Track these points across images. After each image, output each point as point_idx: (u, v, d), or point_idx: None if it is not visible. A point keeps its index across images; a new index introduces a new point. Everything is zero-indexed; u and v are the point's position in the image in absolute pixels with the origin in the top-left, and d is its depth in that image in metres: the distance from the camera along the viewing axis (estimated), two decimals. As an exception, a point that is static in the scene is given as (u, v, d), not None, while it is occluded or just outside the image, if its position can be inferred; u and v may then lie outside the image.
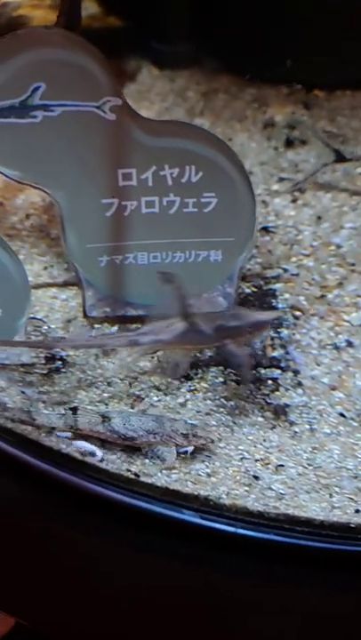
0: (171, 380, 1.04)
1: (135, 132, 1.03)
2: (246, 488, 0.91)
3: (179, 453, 0.92)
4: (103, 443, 0.94)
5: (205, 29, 1.73)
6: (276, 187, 1.45)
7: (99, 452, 0.93)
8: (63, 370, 1.03)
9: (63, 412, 0.95)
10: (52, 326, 1.09)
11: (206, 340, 1.01)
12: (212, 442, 0.93)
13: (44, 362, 1.03)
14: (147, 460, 0.93)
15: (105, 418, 0.93)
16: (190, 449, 0.92)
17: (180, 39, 1.75)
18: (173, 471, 0.93)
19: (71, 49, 0.98)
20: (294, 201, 1.41)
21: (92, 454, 0.92)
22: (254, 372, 1.05)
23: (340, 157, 1.46)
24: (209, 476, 0.92)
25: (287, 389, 1.05)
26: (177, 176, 1.05)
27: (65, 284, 1.16)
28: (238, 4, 1.67)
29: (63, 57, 0.98)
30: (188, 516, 0.88)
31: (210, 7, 1.70)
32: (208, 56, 1.79)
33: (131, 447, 0.93)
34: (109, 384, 1.02)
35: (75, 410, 0.95)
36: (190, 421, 0.97)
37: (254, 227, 1.10)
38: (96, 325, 1.09)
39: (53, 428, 0.94)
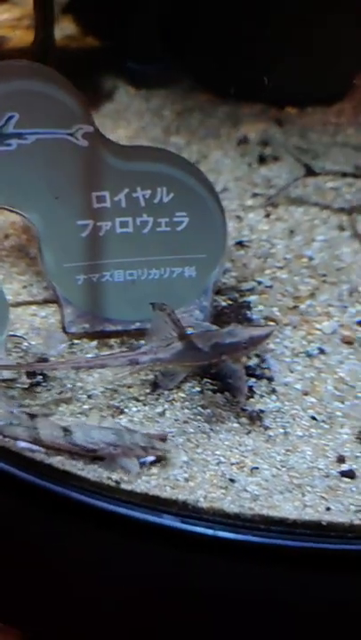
0: (162, 390, 1.07)
1: (107, 157, 1.06)
2: (223, 491, 0.94)
3: (141, 464, 0.95)
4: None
5: (180, 49, 1.77)
6: (250, 202, 1.48)
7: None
8: (44, 384, 1.05)
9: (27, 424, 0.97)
10: (33, 342, 1.11)
11: (203, 357, 1.04)
12: (170, 452, 0.96)
13: (25, 376, 1.04)
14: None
15: (67, 431, 0.95)
16: (149, 459, 0.95)
17: (155, 59, 1.80)
18: (153, 477, 0.94)
19: (43, 81, 1.02)
20: (268, 216, 1.44)
21: None
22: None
23: (310, 172, 1.49)
24: (187, 480, 0.95)
25: (262, 396, 1.07)
26: (149, 197, 1.08)
27: (44, 302, 1.18)
28: (211, 25, 1.71)
29: (35, 88, 1.02)
30: (169, 521, 0.90)
31: (184, 28, 1.73)
32: (183, 75, 1.82)
33: (95, 458, 0.95)
34: (90, 396, 1.04)
35: (32, 416, 0.97)
36: (155, 429, 1.00)
37: (225, 243, 1.13)
38: (75, 341, 1.11)
39: (16, 439, 0.96)
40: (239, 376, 1.03)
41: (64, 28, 1.87)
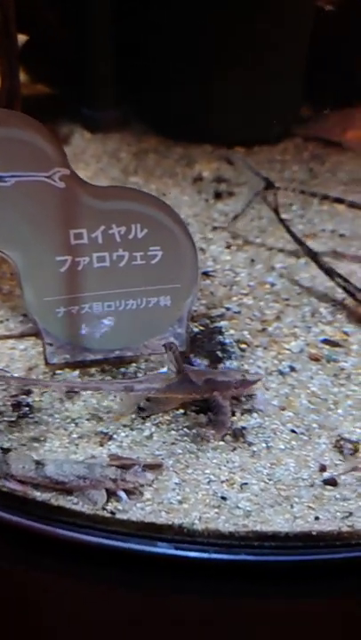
0: (154, 414, 1.03)
1: (83, 198, 1.03)
2: (216, 510, 0.89)
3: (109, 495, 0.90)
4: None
5: (133, 96, 1.75)
6: (210, 235, 1.45)
7: None
8: (31, 415, 0.98)
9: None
10: (15, 374, 1.06)
11: (196, 390, 1.03)
12: (142, 485, 0.92)
13: (11, 409, 0.98)
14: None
15: (39, 464, 0.92)
16: (124, 495, 0.90)
17: (108, 105, 1.76)
18: (147, 503, 0.87)
19: (22, 128, 0.98)
20: (229, 247, 1.41)
21: None
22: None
23: (270, 185, 1.47)
24: (180, 502, 0.90)
25: (243, 413, 1.02)
26: (124, 233, 1.05)
27: (22, 336, 1.13)
28: (162, 73, 1.70)
29: (15, 135, 0.98)
30: (163, 549, 0.83)
31: (136, 76, 1.71)
32: (137, 119, 1.80)
33: (62, 490, 0.91)
34: (77, 424, 0.97)
35: (6, 451, 0.94)
36: (145, 453, 0.96)
37: (198, 273, 1.09)
38: (58, 371, 1.05)
39: None
40: (225, 412, 1.01)
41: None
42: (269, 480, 0.93)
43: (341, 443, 0.99)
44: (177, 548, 0.85)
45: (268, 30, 1.66)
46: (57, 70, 1.80)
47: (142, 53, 1.71)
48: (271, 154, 1.75)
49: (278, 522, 0.87)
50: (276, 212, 1.42)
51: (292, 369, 1.13)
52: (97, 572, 0.85)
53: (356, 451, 0.98)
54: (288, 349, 1.17)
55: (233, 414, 1.02)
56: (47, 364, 1.07)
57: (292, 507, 0.90)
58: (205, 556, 0.84)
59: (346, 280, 1.22)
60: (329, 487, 0.92)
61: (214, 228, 1.47)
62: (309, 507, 0.89)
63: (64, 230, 1.02)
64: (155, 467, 0.91)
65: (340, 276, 1.23)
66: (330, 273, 1.24)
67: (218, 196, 1.58)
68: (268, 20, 1.66)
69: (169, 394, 1.01)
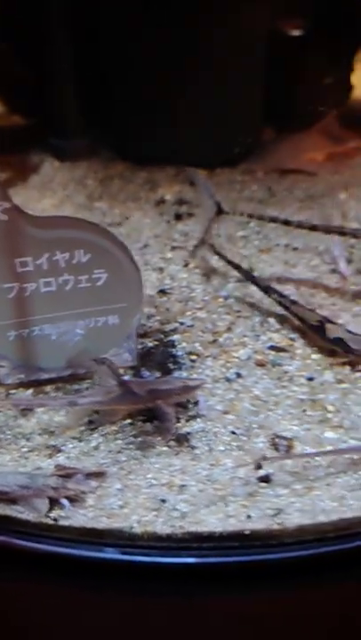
0: (102, 425, 1.07)
1: (27, 228, 1.09)
2: (155, 513, 0.94)
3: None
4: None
5: (98, 125, 1.81)
6: (169, 254, 1.50)
7: None
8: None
9: None
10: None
11: (140, 400, 1.07)
12: (85, 493, 0.96)
13: None
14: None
15: None
16: (66, 502, 0.95)
17: (74, 134, 1.83)
18: (90, 509, 0.92)
19: None
20: (186, 265, 1.45)
21: None
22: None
23: (220, 210, 1.52)
24: (121, 507, 0.93)
25: (188, 420, 1.07)
26: (68, 259, 1.11)
27: None
28: (124, 100, 1.76)
29: None
30: (110, 554, 0.87)
31: (100, 105, 1.78)
32: (103, 147, 1.86)
33: (6, 500, 0.95)
34: (28, 439, 1.02)
35: None
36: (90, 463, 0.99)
37: (142, 292, 1.14)
38: (12, 391, 1.10)
39: None
40: (169, 419, 1.06)
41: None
42: (207, 481, 0.98)
43: (277, 440, 1.03)
44: (123, 553, 0.89)
45: (225, 54, 1.73)
46: (31, 101, 1.87)
47: (106, 81, 1.78)
48: (233, 175, 1.81)
49: (212, 522, 0.91)
50: (203, 242, 1.47)
51: (239, 375, 1.18)
52: (49, 578, 0.89)
53: (290, 447, 1.02)
54: (236, 357, 1.22)
55: (177, 420, 1.07)
56: (1, 384, 1.13)
57: (226, 506, 0.94)
58: (148, 559, 0.88)
59: (281, 295, 1.28)
60: (263, 484, 0.97)
61: (173, 248, 1.53)
62: (243, 505, 0.94)
63: (9, 259, 1.07)
64: (98, 474, 0.96)
65: (275, 292, 1.29)
66: (267, 290, 1.31)
67: (178, 217, 1.64)
68: (225, 45, 1.72)
69: (113, 406, 1.05)
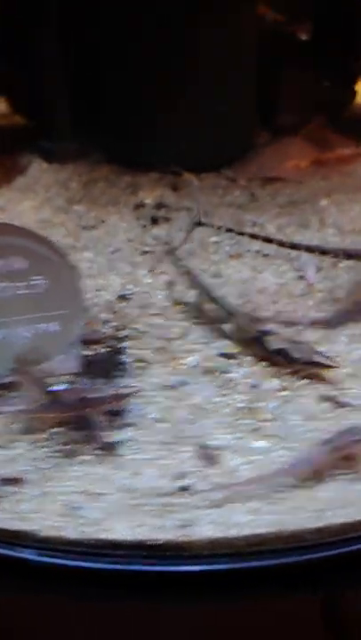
0: (30, 433, 1.06)
1: (-36, 235, 1.07)
2: (68, 519, 0.92)
3: None
4: None
5: (87, 127, 1.79)
6: (139, 259, 1.49)
7: None
8: None
9: None
10: None
11: (69, 409, 1.06)
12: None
13: None
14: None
15: None
16: None
17: (63, 136, 1.83)
18: (4, 513, 0.91)
19: None
20: (152, 270, 1.44)
21: None
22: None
23: (199, 223, 1.48)
24: (36, 512, 0.92)
25: (119, 428, 1.06)
26: (5, 265, 1.08)
27: None
28: (112, 103, 1.76)
29: None
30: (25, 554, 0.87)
31: (89, 107, 1.77)
32: (94, 150, 1.84)
33: None
34: None
35: None
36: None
37: (83, 299, 1.13)
38: None
39: None
40: (97, 427, 1.05)
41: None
42: (125, 490, 0.96)
43: (203, 450, 1.01)
44: (40, 555, 0.88)
45: (216, 56, 1.71)
46: (31, 101, 1.88)
47: (95, 84, 1.78)
48: (218, 179, 1.79)
49: (120, 530, 0.89)
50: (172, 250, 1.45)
51: (183, 382, 1.16)
52: None
53: (215, 457, 1.00)
54: (185, 364, 1.21)
55: (107, 429, 1.05)
56: None
57: (139, 515, 0.92)
58: (58, 561, 0.88)
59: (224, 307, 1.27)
60: (180, 494, 0.95)
61: (143, 253, 1.52)
62: (155, 515, 0.92)
63: None
64: (15, 481, 0.96)
65: (218, 303, 1.27)
66: (215, 302, 1.28)
67: (155, 221, 1.62)
68: (215, 46, 1.70)
69: (39, 414, 1.05)
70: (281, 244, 1.41)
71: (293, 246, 1.40)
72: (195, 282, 1.35)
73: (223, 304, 1.28)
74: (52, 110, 1.81)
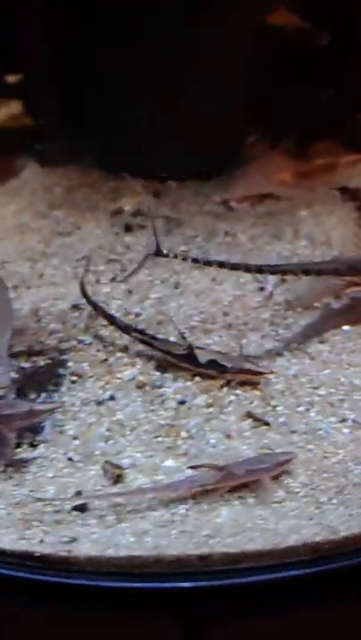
0: None
1: None
2: None
3: None
4: None
5: (80, 131, 1.76)
6: (102, 267, 1.47)
7: None
8: None
9: None
10: None
11: None
12: None
13: None
14: None
15: None
16: None
17: (55, 140, 1.78)
18: None
19: None
20: (114, 279, 1.41)
21: None
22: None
23: (159, 252, 1.33)
24: None
25: (31, 445, 1.06)
26: None
27: None
28: (102, 109, 1.70)
29: None
30: None
31: (82, 111, 1.74)
32: (86, 154, 1.80)
33: None
34: None
35: None
36: None
37: (12, 312, 1.13)
38: None
39: None
40: (6, 444, 1.04)
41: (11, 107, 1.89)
42: (20, 506, 0.95)
43: (109, 468, 0.99)
44: None
45: (198, 64, 1.68)
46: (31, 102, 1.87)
47: (87, 89, 1.76)
48: (200, 188, 1.75)
49: (4, 541, 0.89)
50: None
51: (112, 398, 1.15)
52: None
53: (119, 476, 0.98)
54: (120, 378, 1.19)
55: (19, 446, 1.04)
56: None
57: (28, 529, 0.92)
58: None
59: (142, 333, 1.23)
60: (75, 513, 0.93)
61: (109, 261, 1.49)
62: (43, 530, 0.92)
63: None
64: None
65: (136, 330, 1.23)
66: (127, 330, 1.24)
67: (128, 228, 1.60)
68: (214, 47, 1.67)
69: None
70: (221, 265, 1.32)
71: (234, 267, 1.32)
72: (104, 314, 1.28)
73: (141, 332, 1.23)
74: (46, 112, 1.80)
